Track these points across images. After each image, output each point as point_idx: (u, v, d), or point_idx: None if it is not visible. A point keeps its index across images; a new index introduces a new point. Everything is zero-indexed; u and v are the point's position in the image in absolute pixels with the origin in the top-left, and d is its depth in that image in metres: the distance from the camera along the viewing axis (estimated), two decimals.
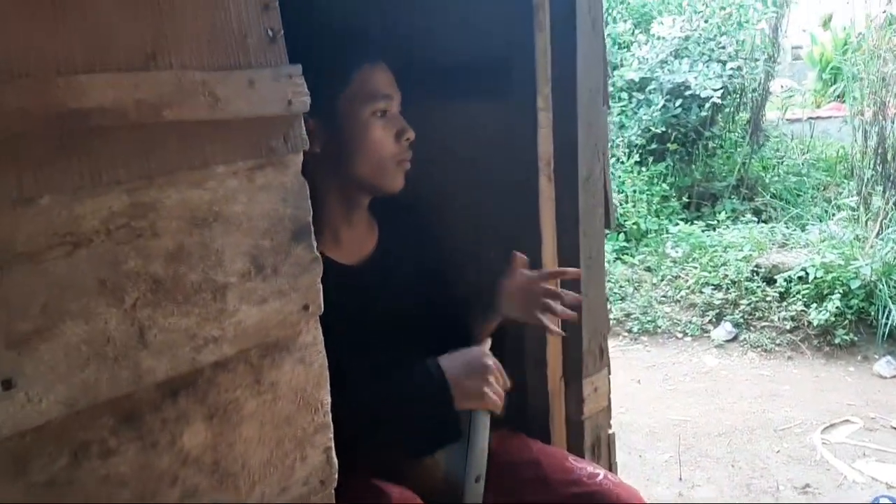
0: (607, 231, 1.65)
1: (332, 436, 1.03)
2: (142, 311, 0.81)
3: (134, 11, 0.78)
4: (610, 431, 1.71)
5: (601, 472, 1.44)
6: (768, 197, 6.29)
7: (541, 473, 1.44)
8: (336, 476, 1.04)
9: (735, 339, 4.42)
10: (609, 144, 5.80)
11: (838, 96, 8.19)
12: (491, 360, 1.28)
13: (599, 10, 1.49)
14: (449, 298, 1.51)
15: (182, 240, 0.84)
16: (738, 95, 6.62)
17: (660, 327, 4.63)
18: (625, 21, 6.85)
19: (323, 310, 1.00)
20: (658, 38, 6.21)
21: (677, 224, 5.66)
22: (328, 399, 1.02)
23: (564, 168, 1.51)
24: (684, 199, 6.20)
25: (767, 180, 6.51)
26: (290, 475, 0.99)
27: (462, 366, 1.28)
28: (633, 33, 6.65)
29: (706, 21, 6.19)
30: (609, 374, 1.69)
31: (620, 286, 5.04)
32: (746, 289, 4.62)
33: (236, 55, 0.87)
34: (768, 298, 4.53)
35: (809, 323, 4.28)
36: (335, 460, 1.04)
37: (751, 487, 2.91)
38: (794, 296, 4.45)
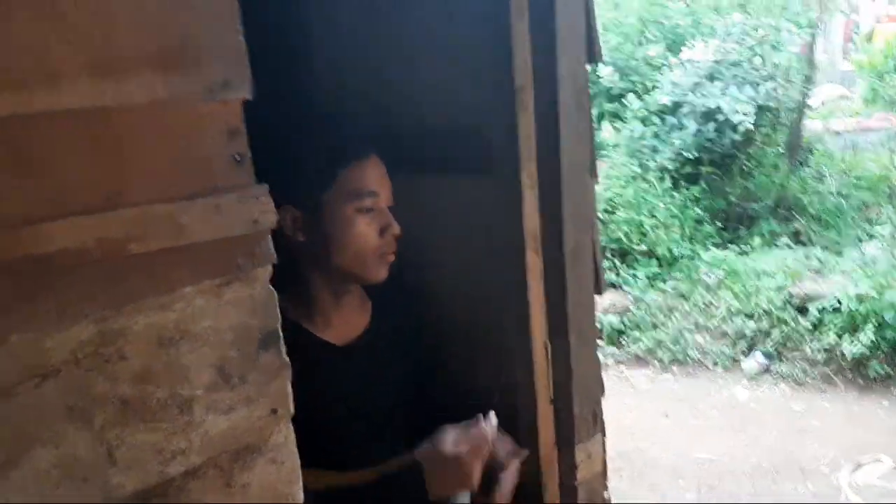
0: (597, 296, 1.67)
1: None
2: (110, 431, 0.87)
3: (96, 157, 0.83)
4: (606, 495, 1.73)
5: None
6: (807, 219, 6.22)
7: None
8: None
9: (767, 370, 4.38)
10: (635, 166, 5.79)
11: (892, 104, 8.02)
12: (464, 447, 1.31)
13: (585, 88, 1.52)
14: (438, 382, 1.55)
15: (149, 361, 0.90)
16: (774, 116, 6.56)
17: (690, 357, 4.62)
18: (657, 43, 6.83)
19: (293, 412, 1.04)
20: (690, 62, 6.18)
21: (710, 249, 5.63)
22: (300, 495, 1.07)
23: (551, 241, 1.54)
24: (717, 222, 6.15)
25: (806, 201, 6.44)
26: None
27: (438, 458, 1.31)
28: (665, 56, 6.63)
29: (739, 43, 6.14)
30: (604, 437, 1.71)
31: (652, 313, 5.03)
32: (779, 318, 4.59)
33: (202, 182, 0.92)
34: (801, 329, 4.48)
35: (843, 355, 4.23)
36: None
37: None
38: (827, 326, 4.40)
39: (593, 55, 1.53)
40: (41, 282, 0.81)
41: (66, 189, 0.82)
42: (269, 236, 1.00)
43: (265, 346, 1.01)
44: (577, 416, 1.61)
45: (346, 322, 1.46)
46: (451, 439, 1.32)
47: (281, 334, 1.02)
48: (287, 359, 1.03)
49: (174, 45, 0.87)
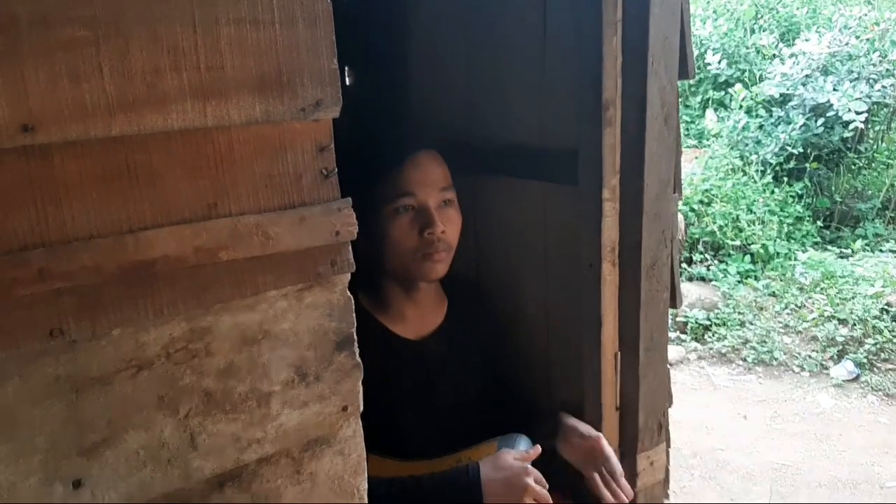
0: (673, 310, 1.69)
1: None
2: (193, 419, 0.96)
3: (197, 171, 0.91)
4: (666, 502, 1.76)
5: None
6: None
7: None
8: None
9: (856, 379, 4.26)
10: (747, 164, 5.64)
11: None
12: (531, 479, 1.35)
13: (674, 105, 1.52)
14: (509, 382, 1.60)
15: (232, 357, 0.98)
16: (889, 113, 6.28)
17: (776, 359, 4.52)
18: (770, 32, 6.60)
19: (362, 408, 1.11)
20: (803, 54, 5.96)
21: (807, 250, 5.46)
22: (364, 485, 1.14)
23: (629, 255, 1.56)
24: (819, 221, 5.96)
25: None
26: None
27: (502, 480, 1.35)
28: (777, 46, 6.41)
29: (857, 37, 5.88)
30: (668, 447, 1.73)
31: (740, 311, 4.93)
32: (874, 327, 4.44)
33: (290, 195, 1.00)
34: None
35: None
36: None
37: None
38: None
39: (685, 72, 1.54)
40: (142, 284, 0.89)
41: (169, 201, 0.90)
42: (349, 246, 1.06)
43: (340, 347, 1.08)
44: (642, 426, 1.64)
45: (420, 318, 1.52)
46: (514, 456, 1.37)
47: (356, 338, 1.09)
48: (360, 360, 1.10)
49: (272, 71, 0.93)
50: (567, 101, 1.54)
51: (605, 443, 1.51)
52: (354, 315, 1.09)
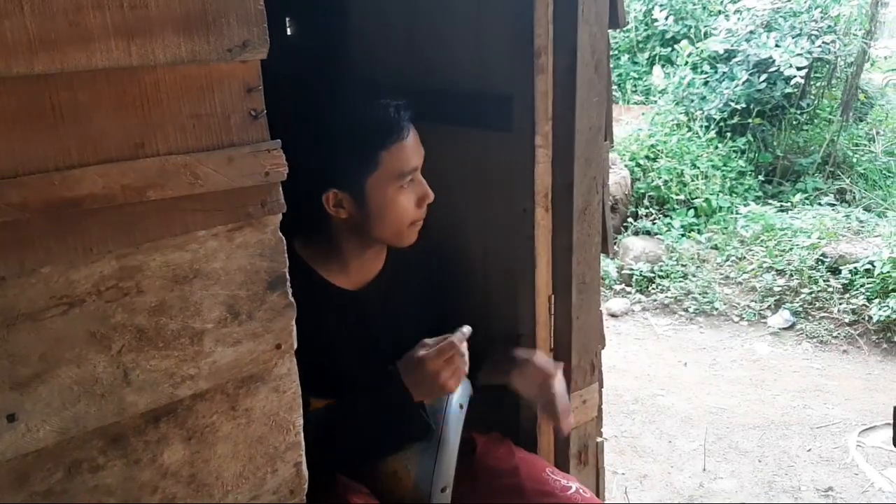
0: (605, 255, 1.74)
1: (302, 452, 1.19)
2: (126, 356, 0.98)
3: (124, 110, 0.92)
4: (599, 440, 1.83)
5: (574, 486, 1.57)
6: (854, 177, 6.12)
7: (518, 482, 1.57)
8: (305, 487, 1.20)
9: (791, 327, 4.41)
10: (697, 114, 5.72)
11: None
12: (431, 352, 1.38)
13: (604, 52, 1.56)
14: (448, 324, 1.63)
15: (164, 295, 1.00)
16: (830, 69, 6.41)
17: (717, 309, 4.65)
18: None
19: (296, 345, 1.14)
20: (747, 10, 6.04)
21: (749, 204, 5.59)
22: (300, 421, 1.18)
23: (562, 200, 1.60)
24: (761, 176, 6.09)
25: (855, 160, 6.33)
26: (261, 485, 1.15)
27: (408, 364, 1.40)
28: (722, 2, 6.48)
29: None
30: (601, 387, 1.80)
31: (683, 264, 5.05)
32: (810, 277, 4.59)
33: (219, 135, 1.01)
34: (830, 289, 4.49)
35: (870, 318, 4.24)
36: (305, 473, 1.20)
37: (773, 485, 2.98)
38: (857, 289, 4.40)
39: (615, 21, 1.57)
40: (71, 221, 0.90)
41: (95, 140, 0.91)
42: (280, 187, 1.08)
43: (272, 287, 1.10)
44: (575, 366, 1.70)
45: (360, 269, 1.54)
46: (421, 348, 1.40)
47: (288, 278, 1.12)
48: (292, 299, 1.12)
49: (197, 10, 0.94)
50: (501, 48, 1.57)
51: (556, 380, 1.54)
52: (286, 256, 1.11)
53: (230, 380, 1.08)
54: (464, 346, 1.39)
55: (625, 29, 7.00)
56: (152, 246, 0.98)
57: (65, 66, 0.87)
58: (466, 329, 1.40)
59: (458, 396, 1.50)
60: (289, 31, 2.52)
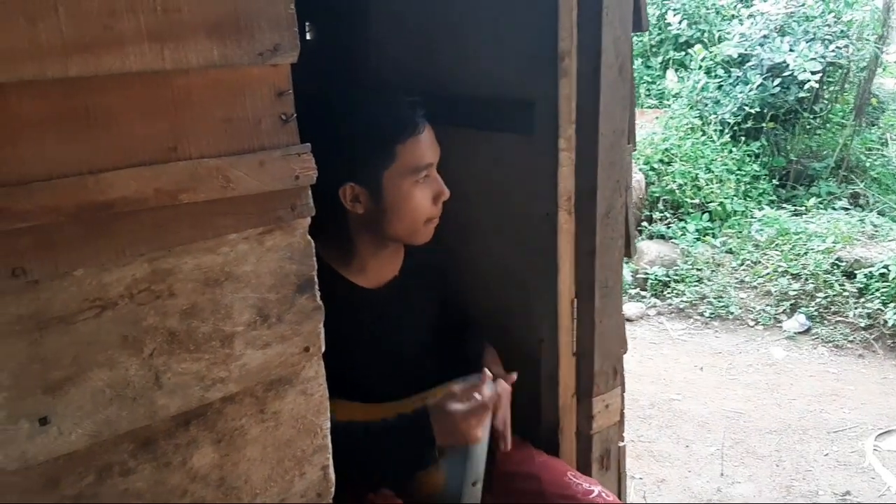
0: (627, 259, 1.74)
1: (329, 455, 1.19)
2: (158, 359, 0.98)
3: (156, 114, 0.92)
4: (621, 444, 1.82)
5: (596, 490, 1.56)
6: (867, 182, 6.10)
7: (538, 486, 1.57)
8: (332, 490, 1.20)
9: (807, 332, 4.39)
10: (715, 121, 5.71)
11: None
12: (464, 407, 1.39)
13: (628, 56, 1.55)
14: (462, 323, 1.64)
15: (195, 298, 1.00)
16: (843, 74, 6.38)
17: (732, 313, 4.63)
18: None
19: (323, 349, 1.14)
20: (761, 14, 6.02)
21: (763, 208, 5.57)
22: (327, 424, 1.18)
23: (585, 204, 1.60)
24: (775, 180, 6.07)
25: (868, 164, 6.30)
26: (288, 489, 1.15)
27: (440, 412, 1.40)
28: (735, 6, 6.47)
29: None
30: (623, 392, 1.79)
31: (698, 268, 5.03)
32: (825, 281, 4.56)
33: (250, 139, 1.01)
34: (846, 293, 4.46)
35: (885, 322, 4.21)
36: (332, 476, 1.20)
37: (791, 490, 2.96)
38: (872, 293, 4.38)
39: (639, 24, 1.56)
40: (103, 224, 0.91)
41: (128, 143, 0.91)
42: (309, 191, 1.08)
43: (301, 290, 1.10)
44: (598, 370, 1.69)
45: (379, 269, 1.55)
46: (455, 397, 1.41)
47: (316, 281, 1.12)
48: (321, 302, 1.12)
49: (229, 15, 0.94)
50: (524, 52, 1.57)
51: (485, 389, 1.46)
52: (315, 259, 1.11)
53: (259, 382, 1.08)
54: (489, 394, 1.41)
55: (639, 35, 6.99)
56: (184, 249, 0.98)
57: (98, 70, 0.87)
58: (489, 375, 1.44)
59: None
60: (308, 36, 2.53)
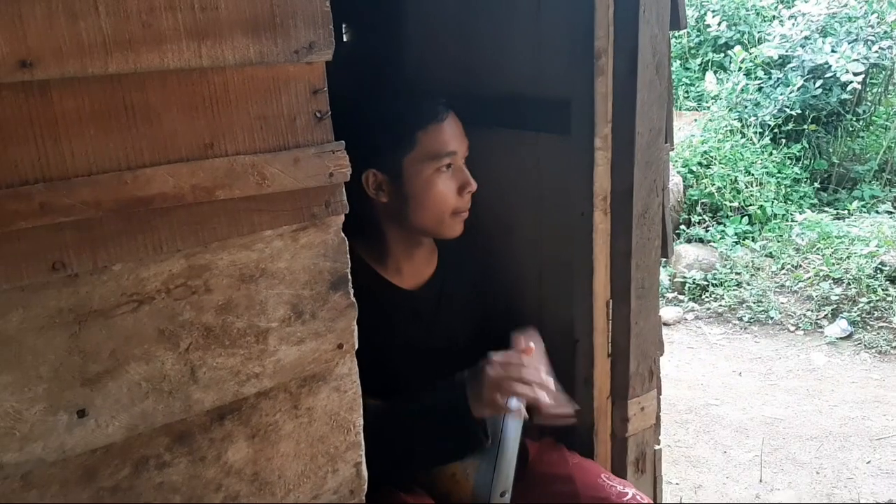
0: (664, 260, 1.72)
1: (362, 452, 1.19)
2: (194, 353, 0.99)
3: (193, 111, 0.94)
4: (657, 447, 1.80)
5: (630, 492, 1.55)
6: None
7: (573, 488, 1.56)
8: (365, 487, 1.20)
9: (849, 337, 4.30)
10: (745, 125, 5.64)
11: None
12: (496, 370, 1.32)
13: (665, 54, 1.53)
14: (499, 324, 1.62)
15: (231, 294, 1.01)
16: (887, 75, 6.26)
17: (772, 318, 4.56)
18: None
19: (357, 347, 1.14)
20: (802, 15, 5.93)
21: (804, 211, 5.48)
22: (360, 421, 1.18)
23: (621, 203, 1.58)
24: (816, 183, 5.97)
25: None
26: (322, 485, 1.16)
27: (474, 379, 1.35)
28: (776, 7, 6.38)
29: None
30: (659, 395, 1.77)
31: (737, 272, 4.97)
32: (868, 286, 4.47)
33: (285, 137, 1.02)
34: (889, 298, 4.37)
35: None
36: (365, 474, 1.20)
37: (831, 498, 2.90)
38: None
39: (676, 23, 1.55)
40: (141, 220, 0.92)
41: (166, 140, 0.92)
42: (343, 188, 1.09)
43: (335, 287, 1.11)
44: (633, 373, 1.68)
45: (414, 269, 1.55)
46: (489, 364, 1.36)
47: (350, 278, 1.12)
48: (354, 300, 1.13)
49: (265, 12, 0.95)
50: (560, 51, 1.56)
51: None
52: (348, 256, 1.11)
53: (293, 378, 1.09)
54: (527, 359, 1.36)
55: (677, 35, 6.93)
56: (220, 245, 0.99)
57: (138, 67, 0.88)
58: (535, 341, 1.40)
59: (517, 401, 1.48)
60: (345, 38, 2.54)
